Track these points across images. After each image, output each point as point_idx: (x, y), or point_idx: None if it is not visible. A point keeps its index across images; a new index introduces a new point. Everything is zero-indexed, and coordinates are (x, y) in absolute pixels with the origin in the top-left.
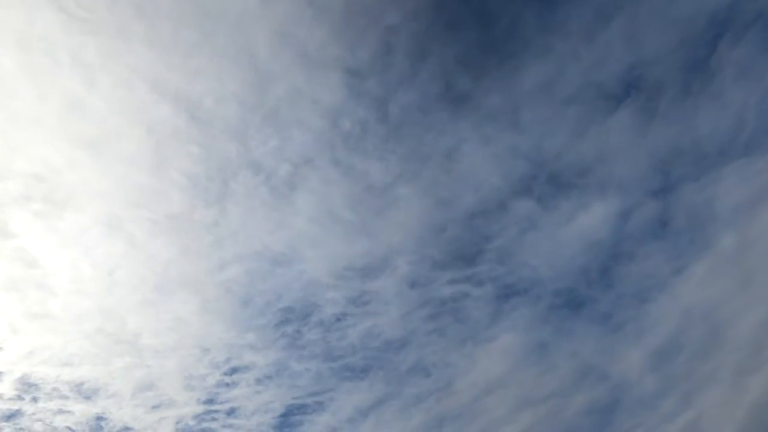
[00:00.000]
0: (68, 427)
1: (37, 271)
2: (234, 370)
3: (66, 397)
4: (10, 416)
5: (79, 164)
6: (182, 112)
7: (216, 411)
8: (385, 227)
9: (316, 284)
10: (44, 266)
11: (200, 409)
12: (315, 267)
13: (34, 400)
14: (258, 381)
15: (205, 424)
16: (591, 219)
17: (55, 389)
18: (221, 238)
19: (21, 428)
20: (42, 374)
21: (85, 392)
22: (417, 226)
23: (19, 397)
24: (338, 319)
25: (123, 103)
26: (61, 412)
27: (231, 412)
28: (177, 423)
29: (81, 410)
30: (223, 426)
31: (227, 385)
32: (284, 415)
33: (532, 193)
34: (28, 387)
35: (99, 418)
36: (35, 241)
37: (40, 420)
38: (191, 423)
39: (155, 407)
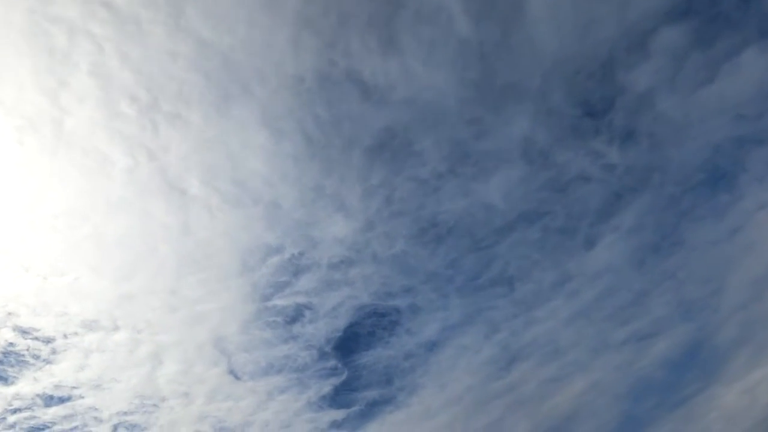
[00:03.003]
0: (89, 321)
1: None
2: (301, 254)
3: (86, 273)
4: (8, 298)
5: None
6: None
7: (274, 311)
8: (507, 56)
9: (416, 123)
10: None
11: (253, 309)
12: (418, 98)
13: (43, 279)
14: (332, 267)
15: (254, 333)
16: (743, 70)
17: (69, 257)
18: (301, 34)
19: (20, 319)
20: (52, 226)
21: (112, 270)
22: (546, 59)
23: (21, 270)
24: (436, 185)
25: None
26: (75, 298)
27: (294, 318)
28: (218, 330)
29: (106, 292)
30: (280, 339)
31: (294, 272)
32: (351, 328)
33: (686, 19)
34: (33, 245)
35: (127, 310)
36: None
37: (47, 308)
38: (234, 332)
39: (197, 300)
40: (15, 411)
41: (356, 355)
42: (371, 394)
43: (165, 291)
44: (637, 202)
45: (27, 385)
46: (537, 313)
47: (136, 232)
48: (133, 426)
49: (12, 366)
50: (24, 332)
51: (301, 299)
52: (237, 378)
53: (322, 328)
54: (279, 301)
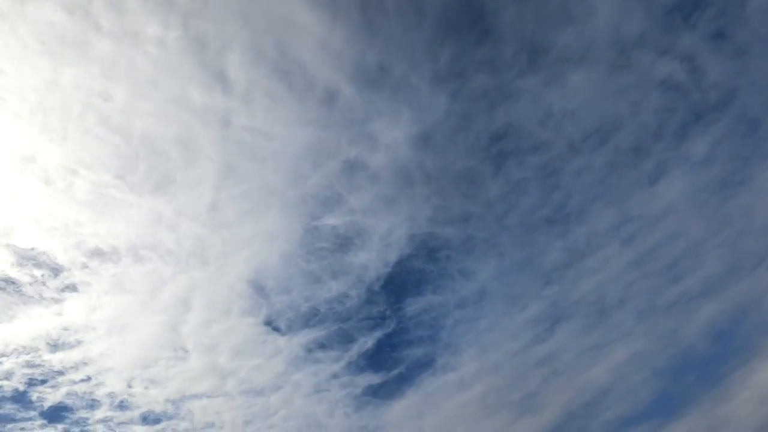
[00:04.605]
0: (106, 249)
1: None
2: (357, 159)
3: (105, 178)
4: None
5: None
6: None
7: (323, 233)
8: None
9: None
10: None
11: (299, 231)
12: None
13: (47, 182)
14: (388, 180)
15: (299, 265)
16: None
17: (83, 153)
18: None
19: (17, 237)
20: (63, 109)
21: (139, 176)
22: None
23: (20, 167)
24: (510, 85)
25: None
26: (91, 212)
27: (343, 245)
28: (258, 263)
29: (129, 207)
30: (327, 273)
31: (347, 185)
32: (402, 264)
33: None
34: (36, 136)
35: (155, 235)
36: None
37: (53, 224)
38: (276, 265)
39: (238, 221)
40: (12, 355)
41: (405, 300)
42: (414, 353)
43: (202, 207)
44: (714, 127)
45: (27, 325)
46: (589, 263)
47: (169, 122)
48: (150, 381)
49: (9, 300)
50: (24, 257)
51: (354, 219)
52: (274, 329)
53: (373, 260)
54: (330, 220)
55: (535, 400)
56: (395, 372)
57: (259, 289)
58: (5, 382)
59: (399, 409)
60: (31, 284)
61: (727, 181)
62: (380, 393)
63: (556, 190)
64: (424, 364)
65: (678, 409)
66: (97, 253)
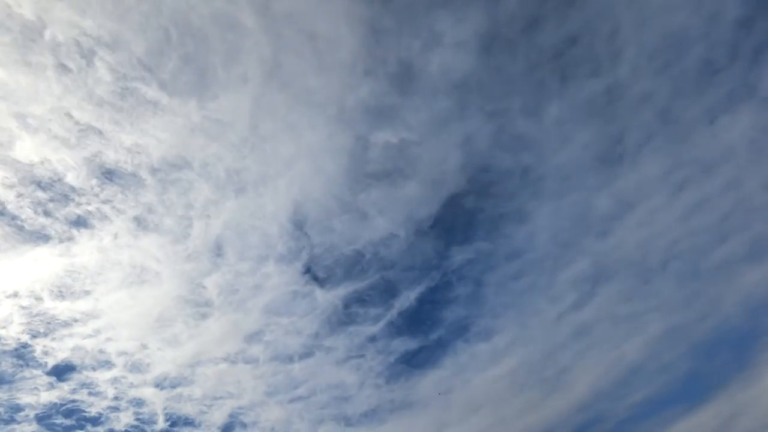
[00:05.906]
0: (129, 168)
1: None
2: (415, 62)
3: (129, 70)
4: None
5: None
6: None
7: (373, 154)
8: None
9: None
10: None
11: (347, 148)
12: None
13: (58, 67)
14: (447, 92)
15: (344, 198)
16: None
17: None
18: None
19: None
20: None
21: (172, 67)
22: None
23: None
24: None
25: None
26: (115, 113)
27: (392, 172)
28: (300, 193)
29: (164, 115)
30: (375, 208)
31: (401, 92)
32: (453, 201)
33: None
34: None
35: (190, 151)
36: None
37: (62, 134)
38: (319, 197)
39: (281, 134)
40: (7, 301)
41: (452, 248)
42: (454, 314)
43: (242, 117)
44: None
45: (24, 264)
46: (637, 215)
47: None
48: (169, 341)
49: (5, 234)
50: (25, 177)
51: (406, 137)
52: (313, 279)
53: (424, 194)
54: (381, 136)
55: (565, 378)
56: (432, 336)
57: (299, 225)
58: (3, 331)
59: (429, 382)
60: (33, 217)
61: None
62: (414, 361)
63: (614, 122)
64: (461, 328)
65: (705, 393)
66: (117, 175)
